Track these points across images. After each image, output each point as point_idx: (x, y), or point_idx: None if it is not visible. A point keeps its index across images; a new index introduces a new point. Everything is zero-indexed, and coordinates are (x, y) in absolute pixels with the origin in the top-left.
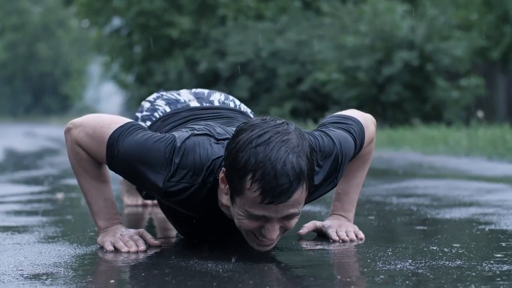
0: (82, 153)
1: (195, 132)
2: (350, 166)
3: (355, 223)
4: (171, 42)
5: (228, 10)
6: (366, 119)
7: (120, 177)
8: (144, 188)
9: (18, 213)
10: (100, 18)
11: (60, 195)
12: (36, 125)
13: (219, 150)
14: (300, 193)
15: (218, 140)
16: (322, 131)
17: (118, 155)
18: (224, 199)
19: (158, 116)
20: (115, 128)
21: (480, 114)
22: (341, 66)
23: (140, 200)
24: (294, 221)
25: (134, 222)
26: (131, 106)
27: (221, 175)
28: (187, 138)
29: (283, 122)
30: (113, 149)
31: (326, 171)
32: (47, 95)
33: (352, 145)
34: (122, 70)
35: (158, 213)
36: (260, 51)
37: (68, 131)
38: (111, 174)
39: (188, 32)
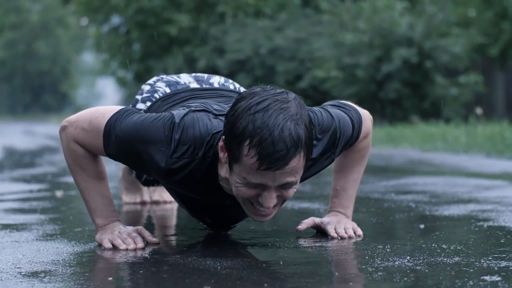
0: (79, 150)
1: (193, 108)
2: (347, 161)
3: (353, 220)
4: (170, 39)
5: (227, 7)
6: (363, 112)
7: (119, 175)
8: (145, 171)
9: (16, 211)
10: (99, 16)
11: (59, 193)
12: (35, 123)
13: (218, 125)
14: (298, 161)
15: (216, 115)
16: (322, 107)
17: (117, 140)
18: (223, 170)
19: (158, 97)
20: (110, 116)
21: (479, 111)
22: (340, 64)
23: (138, 198)
24: (291, 191)
25: (132, 219)
26: (130, 103)
27: (220, 143)
28: (186, 114)
29: (283, 91)
30: (110, 136)
31: (324, 145)
32: (46, 93)
33: (350, 127)
34: (120, 68)
35: (157, 210)
36: (259, 48)
37: (63, 129)
38: (109, 172)
39: (187, 30)
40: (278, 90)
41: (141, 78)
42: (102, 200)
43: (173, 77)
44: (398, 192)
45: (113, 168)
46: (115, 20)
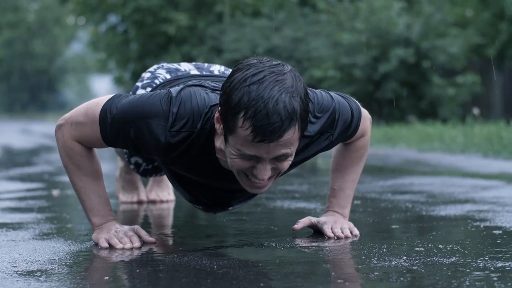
0: (76, 147)
1: (189, 84)
2: (345, 161)
3: (350, 219)
4: (168, 38)
5: (225, 6)
6: (363, 110)
7: (116, 174)
8: (145, 150)
9: (13, 210)
10: (96, 15)
11: (55, 192)
12: (32, 122)
13: (215, 98)
14: (292, 133)
15: (213, 90)
16: (323, 90)
17: (113, 121)
18: (219, 141)
19: (158, 83)
20: (104, 102)
21: (476, 111)
22: (337, 63)
23: (135, 197)
24: (286, 163)
25: (129, 219)
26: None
27: (216, 114)
28: (182, 89)
29: (279, 63)
30: (106, 119)
31: (322, 123)
32: (43, 92)
33: (349, 113)
34: (118, 67)
35: (154, 210)
36: (256, 48)
37: (59, 128)
38: (106, 171)
39: (185, 29)
40: (274, 62)
41: (138, 77)
42: (98, 199)
43: (174, 65)
44: (395, 192)
45: (109, 167)
46: (112, 19)
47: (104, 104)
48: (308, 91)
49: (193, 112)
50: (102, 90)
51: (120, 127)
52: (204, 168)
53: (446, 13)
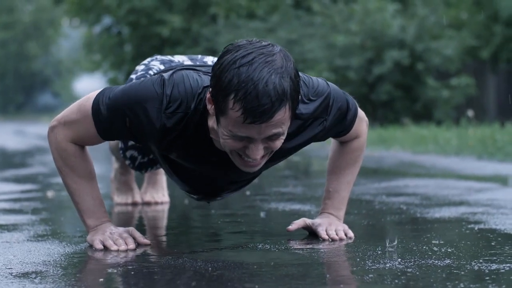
0: (69, 148)
1: (180, 67)
2: (341, 163)
3: (344, 222)
4: (162, 40)
5: (219, 8)
6: (361, 111)
7: (111, 176)
8: (141, 137)
9: (7, 211)
10: (91, 16)
11: (50, 194)
12: (27, 123)
13: (208, 80)
14: (283, 113)
15: (205, 73)
16: (320, 77)
17: (107, 111)
18: (211, 121)
19: (152, 74)
20: (95, 95)
21: (470, 113)
22: (332, 65)
23: (130, 199)
24: (278, 142)
25: (124, 220)
26: None
27: (208, 95)
28: (174, 72)
29: (268, 44)
30: (99, 110)
31: (316, 106)
32: (38, 93)
33: (345, 104)
34: (112, 69)
35: (148, 211)
36: None
37: (52, 130)
38: (100, 173)
39: (179, 31)
40: (264, 43)
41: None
42: (92, 201)
43: (167, 57)
44: (389, 194)
45: (103, 169)
46: (107, 20)
47: (96, 96)
48: (304, 76)
49: (187, 93)
50: (86, 91)
51: (114, 116)
52: (199, 151)
53: (440, 15)
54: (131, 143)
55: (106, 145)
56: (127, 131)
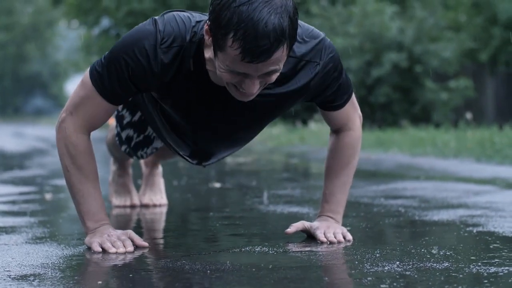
0: (80, 143)
1: (170, 10)
2: (335, 164)
3: (343, 224)
4: None
5: None
6: (355, 99)
7: (109, 178)
8: (141, 83)
9: (5, 213)
10: (89, 18)
11: (48, 196)
12: (25, 125)
13: (200, 16)
14: (281, 52)
15: (196, 12)
16: None
17: (107, 68)
18: (209, 53)
19: None
20: (90, 66)
21: (468, 115)
22: None
23: (128, 201)
24: (274, 76)
25: (122, 223)
26: None
27: (206, 27)
28: (165, 13)
29: None
30: (99, 74)
31: (310, 47)
32: (36, 95)
33: (338, 62)
34: None
35: (146, 214)
36: None
37: (61, 123)
38: (100, 176)
39: None
40: None
41: None
42: (95, 203)
43: None
44: (388, 196)
45: (102, 171)
46: (105, 22)
47: (91, 66)
48: (300, 22)
49: (179, 28)
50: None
51: (115, 70)
52: (197, 89)
53: (439, 17)
54: (126, 120)
55: (104, 146)
56: (131, 82)
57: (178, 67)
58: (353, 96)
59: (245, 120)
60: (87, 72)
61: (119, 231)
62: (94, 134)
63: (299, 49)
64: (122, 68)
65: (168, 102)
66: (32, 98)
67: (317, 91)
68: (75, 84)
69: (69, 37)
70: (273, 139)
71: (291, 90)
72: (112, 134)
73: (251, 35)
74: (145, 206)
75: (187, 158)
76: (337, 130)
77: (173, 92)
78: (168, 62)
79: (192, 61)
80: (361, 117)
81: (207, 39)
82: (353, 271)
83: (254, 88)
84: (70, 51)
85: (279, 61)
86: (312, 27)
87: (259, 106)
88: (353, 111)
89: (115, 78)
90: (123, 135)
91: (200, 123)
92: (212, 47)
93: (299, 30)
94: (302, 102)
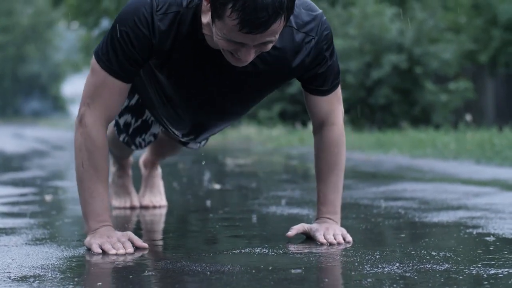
0: (99, 137)
1: None
2: (323, 167)
3: (342, 226)
4: None
5: None
6: (341, 100)
7: (109, 180)
8: (146, 53)
9: (5, 215)
10: (89, 19)
11: (48, 197)
12: (25, 126)
13: None
14: (278, 24)
15: None
16: None
17: (111, 45)
18: (206, 18)
19: None
20: (93, 52)
21: (468, 117)
22: None
23: (128, 203)
24: (270, 45)
25: (122, 224)
26: None
27: None
28: None
29: None
30: (104, 54)
31: (307, 21)
32: (36, 96)
33: (331, 42)
34: None
35: (146, 215)
36: None
37: (82, 116)
38: None
39: None
40: None
41: None
42: (101, 203)
43: None
44: (387, 198)
45: None
46: (105, 23)
47: (94, 51)
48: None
49: None
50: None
51: (116, 44)
52: (194, 58)
53: (438, 19)
54: (124, 105)
55: None
56: (136, 53)
57: (175, 34)
58: (339, 88)
59: (239, 89)
60: (93, 59)
61: (119, 233)
62: None
63: (296, 19)
64: (125, 41)
65: (164, 70)
66: (31, 99)
67: (308, 67)
68: (72, 86)
69: (68, 37)
70: (273, 141)
71: (285, 61)
72: (111, 129)
73: (250, 6)
74: (145, 207)
75: (180, 134)
76: (320, 125)
77: (172, 59)
78: (165, 29)
79: (189, 25)
80: (343, 113)
81: (205, 5)
82: (353, 273)
83: (250, 57)
84: (69, 52)
85: (276, 32)
86: (310, 1)
87: (253, 73)
88: (337, 104)
89: (121, 54)
90: (121, 121)
91: (196, 91)
92: (209, 13)
93: (297, 1)
94: (292, 78)
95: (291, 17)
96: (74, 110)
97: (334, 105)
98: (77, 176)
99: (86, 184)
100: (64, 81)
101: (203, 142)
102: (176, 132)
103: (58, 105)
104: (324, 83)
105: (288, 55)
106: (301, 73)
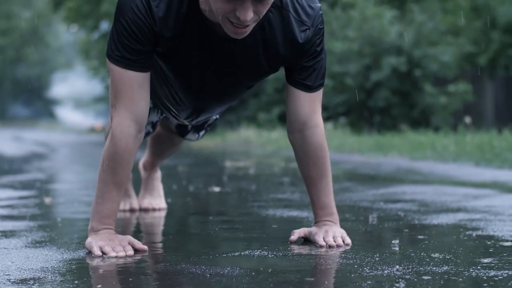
0: (123, 138)
1: None
2: (312, 174)
3: (342, 228)
4: None
5: None
6: (320, 104)
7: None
8: (152, 40)
9: (5, 217)
10: (89, 22)
11: (47, 200)
12: (24, 129)
13: None
14: None
15: None
16: None
17: (120, 43)
18: None
19: None
20: (106, 53)
21: (467, 119)
22: (329, 72)
23: (128, 205)
24: (266, 6)
25: (122, 227)
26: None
27: None
28: None
29: None
30: (118, 50)
31: (305, 10)
32: (35, 99)
33: (322, 40)
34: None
35: (146, 218)
36: None
37: (111, 117)
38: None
39: None
40: None
41: None
42: (111, 207)
43: None
44: (387, 200)
45: None
46: (105, 26)
47: (106, 52)
48: None
49: None
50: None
51: (122, 36)
52: (195, 36)
53: (438, 21)
54: None
55: (101, 150)
56: (144, 38)
57: (176, 16)
58: (321, 91)
59: (237, 69)
60: (107, 61)
61: (120, 236)
62: (94, 137)
63: (295, 6)
64: (128, 30)
65: (167, 54)
66: (29, 102)
67: (298, 56)
68: (64, 86)
69: (65, 38)
70: (272, 143)
71: (281, 40)
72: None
73: None
74: (145, 210)
75: (179, 114)
76: (301, 126)
77: (178, 43)
78: (163, 15)
79: (187, 5)
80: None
81: None
82: (352, 275)
83: (248, 15)
84: (66, 51)
85: None
86: None
87: (251, 50)
88: (319, 106)
89: (130, 44)
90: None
91: (196, 71)
92: None
93: None
94: (284, 63)
95: (289, 3)
96: (60, 112)
97: (317, 106)
98: (98, 174)
99: (101, 185)
100: (60, 82)
101: (201, 133)
102: (173, 109)
103: (47, 107)
104: (310, 77)
105: (283, 33)
106: (292, 59)
